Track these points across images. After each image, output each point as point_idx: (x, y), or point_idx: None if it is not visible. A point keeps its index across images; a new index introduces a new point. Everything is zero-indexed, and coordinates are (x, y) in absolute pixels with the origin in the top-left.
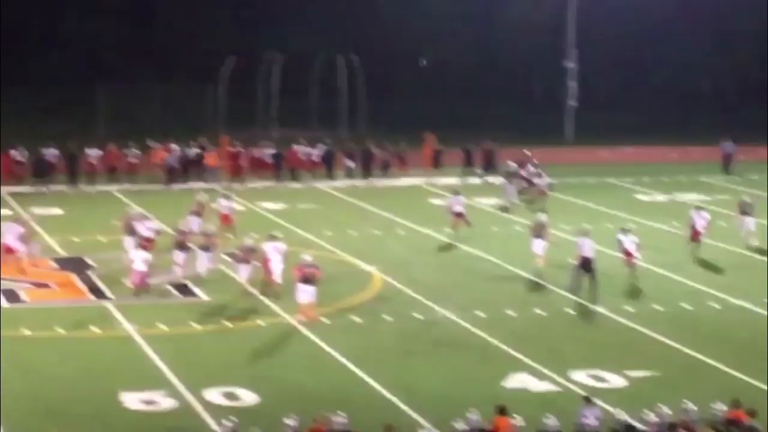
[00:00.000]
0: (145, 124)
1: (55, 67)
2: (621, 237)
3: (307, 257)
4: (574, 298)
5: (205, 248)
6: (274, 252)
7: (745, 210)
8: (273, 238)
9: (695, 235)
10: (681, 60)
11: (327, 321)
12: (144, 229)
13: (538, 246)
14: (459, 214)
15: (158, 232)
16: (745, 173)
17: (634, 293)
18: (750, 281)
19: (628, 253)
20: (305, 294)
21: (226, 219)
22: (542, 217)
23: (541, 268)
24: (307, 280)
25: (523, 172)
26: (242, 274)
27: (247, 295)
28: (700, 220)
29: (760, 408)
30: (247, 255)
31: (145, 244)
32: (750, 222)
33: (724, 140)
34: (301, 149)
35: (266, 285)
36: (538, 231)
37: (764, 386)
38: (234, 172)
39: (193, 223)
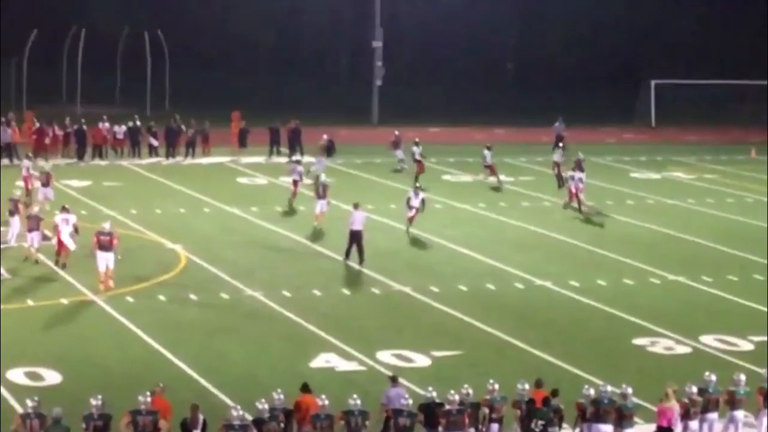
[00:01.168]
0: None
1: None
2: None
3: (106, 225)
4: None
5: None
6: (63, 223)
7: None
8: (63, 210)
9: None
10: (486, 39)
11: (131, 299)
12: None
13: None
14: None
15: None
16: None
17: (439, 273)
18: (551, 261)
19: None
20: (102, 261)
21: (27, 180)
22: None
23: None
24: (103, 247)
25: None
26: (33, 241)
27: (36, 263)
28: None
29: (563, 387)
30: (35, 223)
31: None
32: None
33: (557, 121)
34: (105, 126)
35: (57, 255)
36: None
37: (567, 366)
38: (38, 148)
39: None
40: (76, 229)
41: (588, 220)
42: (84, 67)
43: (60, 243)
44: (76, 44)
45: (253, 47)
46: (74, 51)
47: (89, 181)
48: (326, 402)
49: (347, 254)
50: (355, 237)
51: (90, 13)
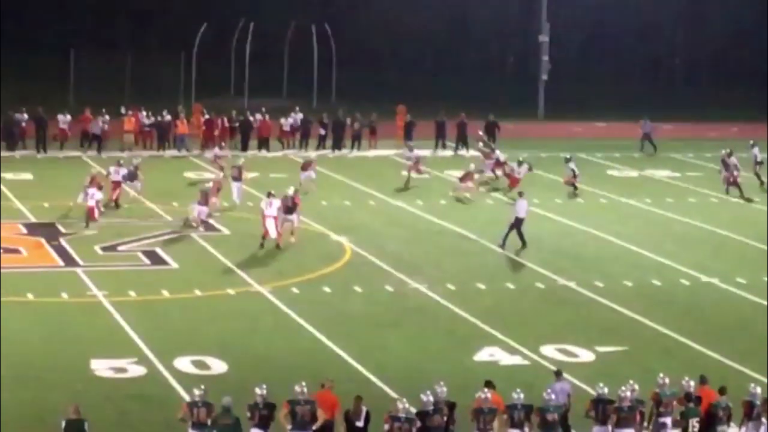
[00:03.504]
0: (117, 92)
1: (27, 31)
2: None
3: (289, 191)
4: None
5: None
6: (267, 207)
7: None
8: (269, 195)
9: None
10: (652, 34)
11: (296, 291)
12: (114, 174)
13: None
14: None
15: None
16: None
17: (604, 268)
18: (718, 258)
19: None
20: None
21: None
22: None
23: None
24: (288, 210)
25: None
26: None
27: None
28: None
29: (729, 386)
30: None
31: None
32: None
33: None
34: (284, 121)
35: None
36: None
37: (732, 363)
38: (206, 139)
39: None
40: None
41: (756, 218)
42: (251, 60)
43: (265, 227)
44: (245, 38)
45: (419, 41)
46: (242, 45)
47: (256, 173)
48: (522, 395)
49: (504, 242)
50: (519, 224)
51: (258, 7)
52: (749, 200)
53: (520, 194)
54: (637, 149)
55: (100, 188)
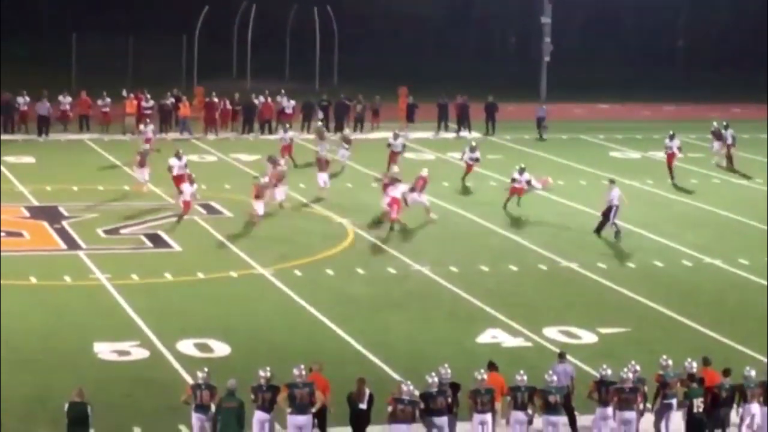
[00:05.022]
0: (119, 75)
1: (29, 15)
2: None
3: (424, 172)
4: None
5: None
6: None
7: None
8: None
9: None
10: (655, 16)
11: (299, 273)
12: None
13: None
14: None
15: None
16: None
17: (606, 250)
18: (721, 239)
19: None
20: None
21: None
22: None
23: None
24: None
25: None
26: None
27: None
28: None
29: (732, 367)
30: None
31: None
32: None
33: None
34: (276, 101)
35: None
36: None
37: (735, 344)
38: (207, 123)
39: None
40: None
41: (758, 198)
42: (254, 42)
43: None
44: (247, 20)
45: (421, 22)
46: (244, 27)
47: (258, 155)
48: (525, 377)
49: (616, 231)
50: (612, 211)
51: None
52: (740, 174)
53: (612, 181)
54: (637, 131)
55: (192, 182)
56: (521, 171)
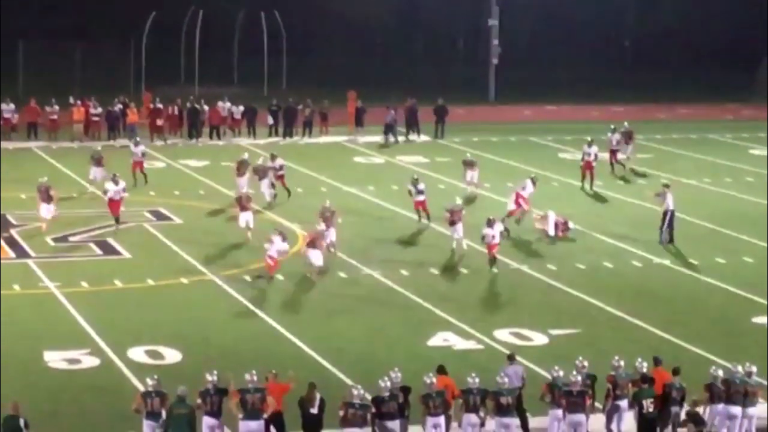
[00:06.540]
0: (66, 82)
1: None
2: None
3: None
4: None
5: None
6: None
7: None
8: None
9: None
10: (603, 17)
11: (249, 279)
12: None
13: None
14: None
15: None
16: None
17: (556, 251)
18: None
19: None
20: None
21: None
22: None
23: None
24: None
25: None
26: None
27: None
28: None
29: (682, 367)
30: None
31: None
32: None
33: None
34: (223, 106)
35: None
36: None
37: (686, 344)
38: (152, 129)
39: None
40: None
41: (706, 199)
42: (201, 48)
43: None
44: (194, 26)
45: (369, 27)
46: (192, 32)
47: (207, 161)
48: (477, 379)
49: (662, 236)
50: (670, 216)
51: None
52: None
53: (666, 186)
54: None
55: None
56: (490, 223)
